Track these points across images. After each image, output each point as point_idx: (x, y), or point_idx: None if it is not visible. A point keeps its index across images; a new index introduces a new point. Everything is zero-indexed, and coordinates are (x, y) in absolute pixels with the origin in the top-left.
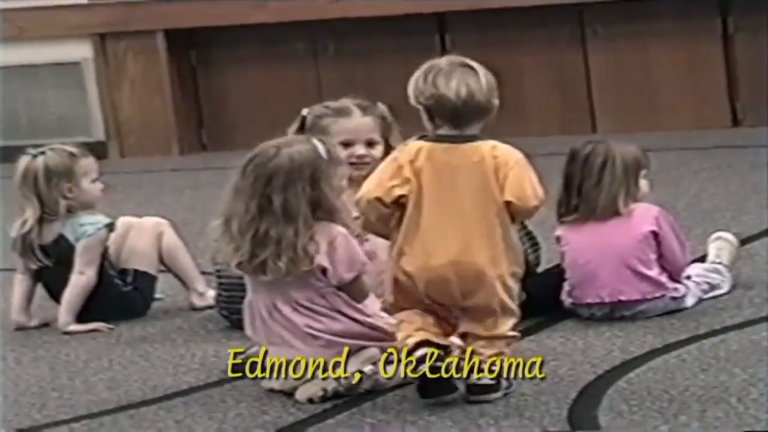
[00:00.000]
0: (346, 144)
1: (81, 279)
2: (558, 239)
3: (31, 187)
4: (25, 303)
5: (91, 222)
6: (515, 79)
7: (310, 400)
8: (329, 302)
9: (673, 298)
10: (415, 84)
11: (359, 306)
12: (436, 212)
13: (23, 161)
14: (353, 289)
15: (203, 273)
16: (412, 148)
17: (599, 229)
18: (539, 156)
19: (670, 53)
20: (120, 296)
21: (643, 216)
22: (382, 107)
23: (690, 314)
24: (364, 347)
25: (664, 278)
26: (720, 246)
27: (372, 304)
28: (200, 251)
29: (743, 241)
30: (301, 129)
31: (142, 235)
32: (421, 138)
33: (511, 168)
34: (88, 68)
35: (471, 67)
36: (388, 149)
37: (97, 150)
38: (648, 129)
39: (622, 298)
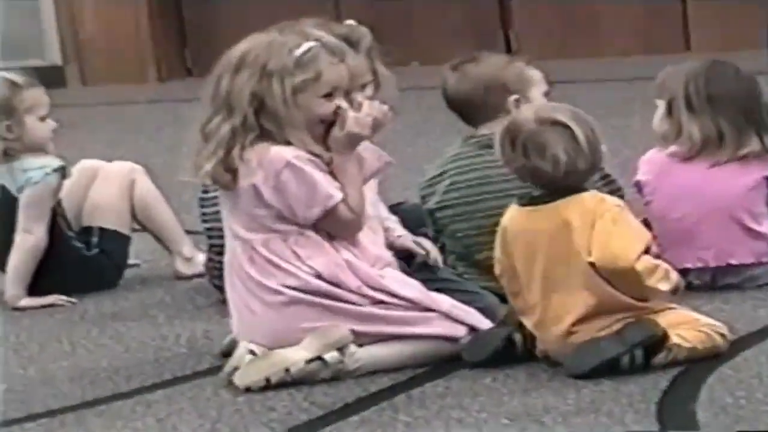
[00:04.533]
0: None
1: (28, 240)
2: (639, 187)
3: None
4: None
5: (37, 167)
6: None
7: (248, 389)
8: (290, 247)
9: None
10: (500, 147)
11: (347, 255)
12: (530, 289)
13: None
14: (329, 227)
15: (189, 233)
16: (505, 219)
17: (696, 172)
18: (616, 81)
19: None
20: (82, 262)
21: (758, 161)
22: (364, 31)
23: None
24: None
25: None
26: None
27: (371, 248)
28: (185, 205)
29: None
30: None
31: (109, 184)
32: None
33: (600, 217)
34: None
35: (565, 125)
36: (376, 82)
37: (52, 76)
38: (758, 46)
39: (732, 261)
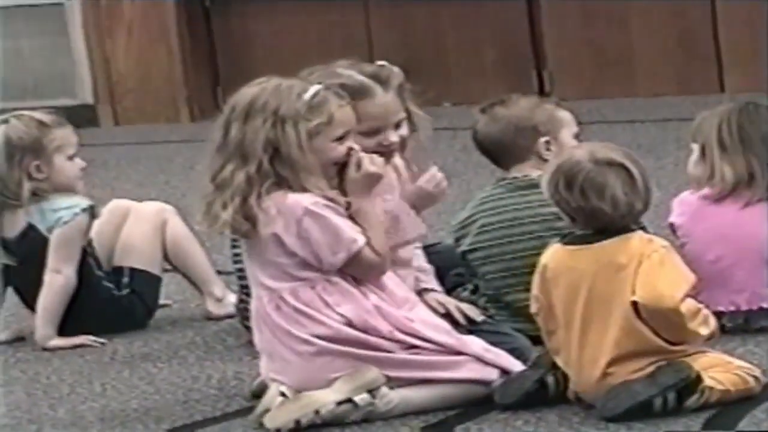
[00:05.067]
0: (372, 132)
1: (57, 279)
2: (673, 228)
3: None
4: None
5: (66, 206)
6: (621, 25)
7: (279, 430)
8: (318, 294)
9: None
10: (554, 187)
11: (375, 300)
12: (568, 330)
13: None
14: (354, 271)
15: (220, 273)
16: (545, 257)
17: (728, 214)
18: (650, 122)
19: None
20: (113, 302)
21: None
22: (396, 70)
23: None
24: (364, 363)
25: None
26: None
27: (399, 292)
28: (216, 245)
29: None
30: None
31: (140, 224)
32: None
33: (647, 258)
34: (72, 10)
35: (623, 166)
36: (409, 118)
37: (84, 115)
38: None
39: (764, 305)
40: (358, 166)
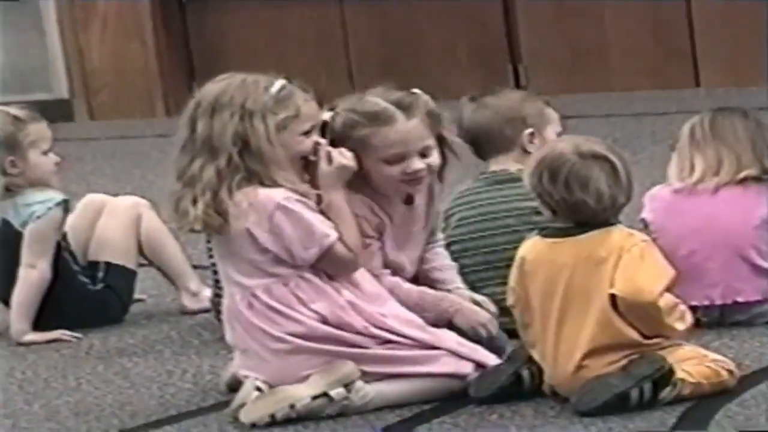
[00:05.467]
0: (395, 159)
1: (31, 274)
2: (645, 224)
3: None
4: None
5: (40, 201)
6: (596, 19)
7: (254, 425)
8: (292, 291)
9: None
10: (536, 179)
11: (348, 296)
12: (544, 322)
13: None
14: (327, 267)
15: (196, 267)
16: (523, 249)
17: (705, 209)
18: (624, 116)
19: None
20: (88, 297)
21: (759, 194)
22: (424, 98)
23: None
24: (340, 358)
25: None
26: None
27: (371, 289)
28: (192, 240)
29: None
30: (323, 136)
31: (115, 218)
32: (542, 230)
33: (627, 251)
34: (47, 5)
35: (607, 159)
36: (443, 146)
37: (59, 110)
38: (765, 83)
39: (738, 299)
40: (329, 159)
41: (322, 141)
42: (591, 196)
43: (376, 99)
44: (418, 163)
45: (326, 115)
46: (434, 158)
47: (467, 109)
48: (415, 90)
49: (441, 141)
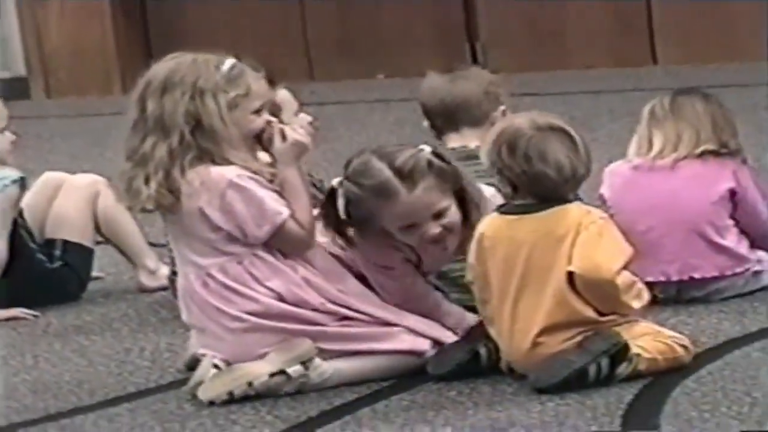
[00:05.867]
0: (408, 228)
1: None
2: (603, 200)
3: None
4: None
5: None
6: None
7: (212, 402)
8: (246, 269)
9: (756, 273)
10: (495, 154)
11: (304, 272)
12: (502, 299)
13: None
14: (280, 245)
15: (153, 245)
16: (483, 225)
17: (663, 185)
18: (582, 94)
19: None
20: (45, 275)
21: (718, 170)
22: (420, 157)
23: None
24: (298, 335)
25: (743, 248)
26: None
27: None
28: (149, 217)
29: None
30: (333, 205)
31: (72, 196)
32: (501, 207)
33: (585, 228)
34: None
35: (564, 131)
36: (462, 196)
37: (16, 88)
38: (724, 59)
39: (695, 275)
40: (283, 136)
41: (273, 120)
42: (551, 167)
43: (381, 166)
44: (433, 229)
45: (334, 182)
46: (451, 218)
47: (441, 80)
48: (423, 146)
49: (461, 195)
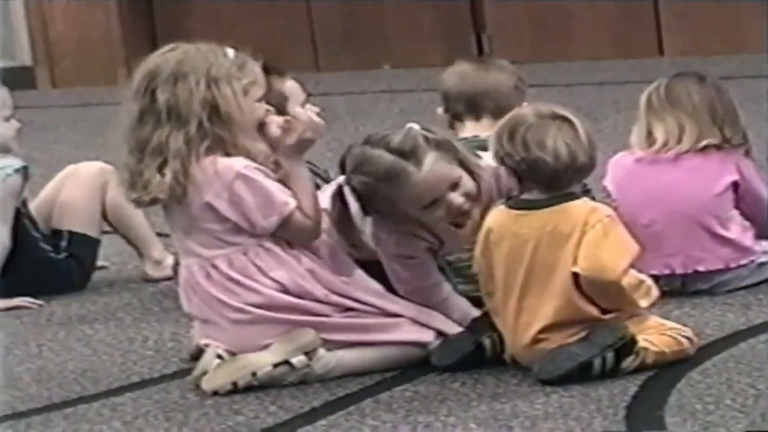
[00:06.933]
0: (431, 205)
1: None
2: (607, 192)
3: None
4: None
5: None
6: None
7: (216, 393)
8: (251, 260)
9: (761, 264)
10: (497, 142)
11: (308, 264)
12: (506, 293)
13: None
14: (287, 235)
15: (159, 235)
16: (489, 220)
17: (665, 177)
18: (588, 85)
19: None
20: (50, 264)
21: (721, 163)
22: (418, 138)
23: None
24: (300, 326)
25: (748, 240)
26: None
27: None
28: (155, 207)
29: None
30: (342, 201)
31: (79, 186)
32: (508, 200)
33: (591, 228)
34: None
35: (566, 119)
36: (465, 167)
37: (22, 77)
38: (730, 50)
39: (699, 268)
40: (288, 129)
41: (270, 109)
42: (548, 153)
43: (378, 152)
44: (457, 199)
45: (339, 180)
46: (468, 185)
47: (472, 67)
48: (410, 125)
49: (463, 165)
